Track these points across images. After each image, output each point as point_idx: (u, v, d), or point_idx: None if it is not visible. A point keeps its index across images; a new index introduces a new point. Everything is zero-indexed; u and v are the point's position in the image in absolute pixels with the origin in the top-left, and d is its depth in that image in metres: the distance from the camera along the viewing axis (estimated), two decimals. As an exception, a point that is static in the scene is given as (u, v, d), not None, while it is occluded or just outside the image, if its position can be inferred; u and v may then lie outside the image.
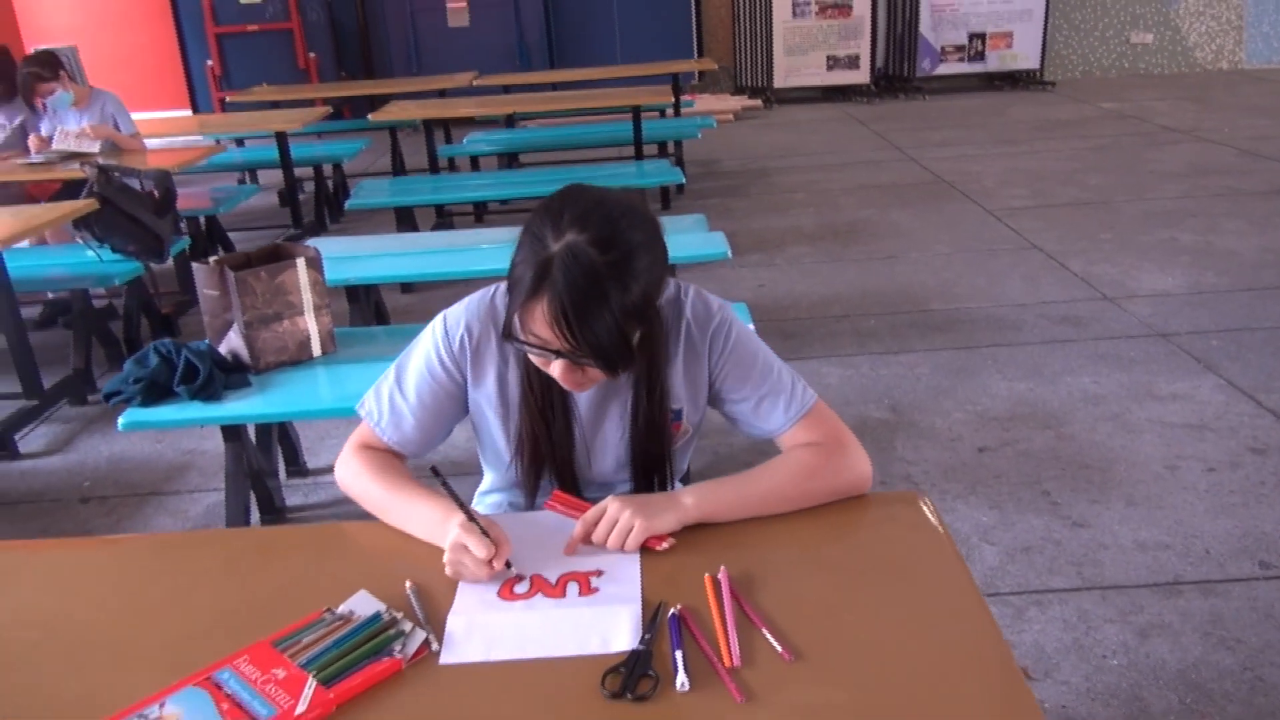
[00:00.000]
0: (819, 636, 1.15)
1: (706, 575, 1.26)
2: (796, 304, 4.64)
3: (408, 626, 1.19)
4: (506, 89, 8.00)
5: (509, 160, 7.23)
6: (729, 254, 3.50)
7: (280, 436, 3.24)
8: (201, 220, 5.59)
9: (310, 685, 1.09)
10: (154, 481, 3.37)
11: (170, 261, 4.60)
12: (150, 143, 5.47)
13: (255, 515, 3.01)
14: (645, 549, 1.33)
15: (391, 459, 1.50)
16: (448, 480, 1.35)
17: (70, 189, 4.70)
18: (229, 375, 2.63)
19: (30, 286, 4.29)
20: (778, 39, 10.73)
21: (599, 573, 1.29)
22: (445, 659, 1.15)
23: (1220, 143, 7.53)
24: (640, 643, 1.15)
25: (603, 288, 1.24)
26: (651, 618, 1.19)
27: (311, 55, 10.58)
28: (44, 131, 5.12)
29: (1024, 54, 10.78)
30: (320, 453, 3.42)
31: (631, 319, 1.28)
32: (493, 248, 3.75)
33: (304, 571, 1.37)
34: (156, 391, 2.57)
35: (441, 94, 7.80)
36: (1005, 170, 7.10)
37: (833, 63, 10.82)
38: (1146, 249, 5.10)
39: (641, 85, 7.47)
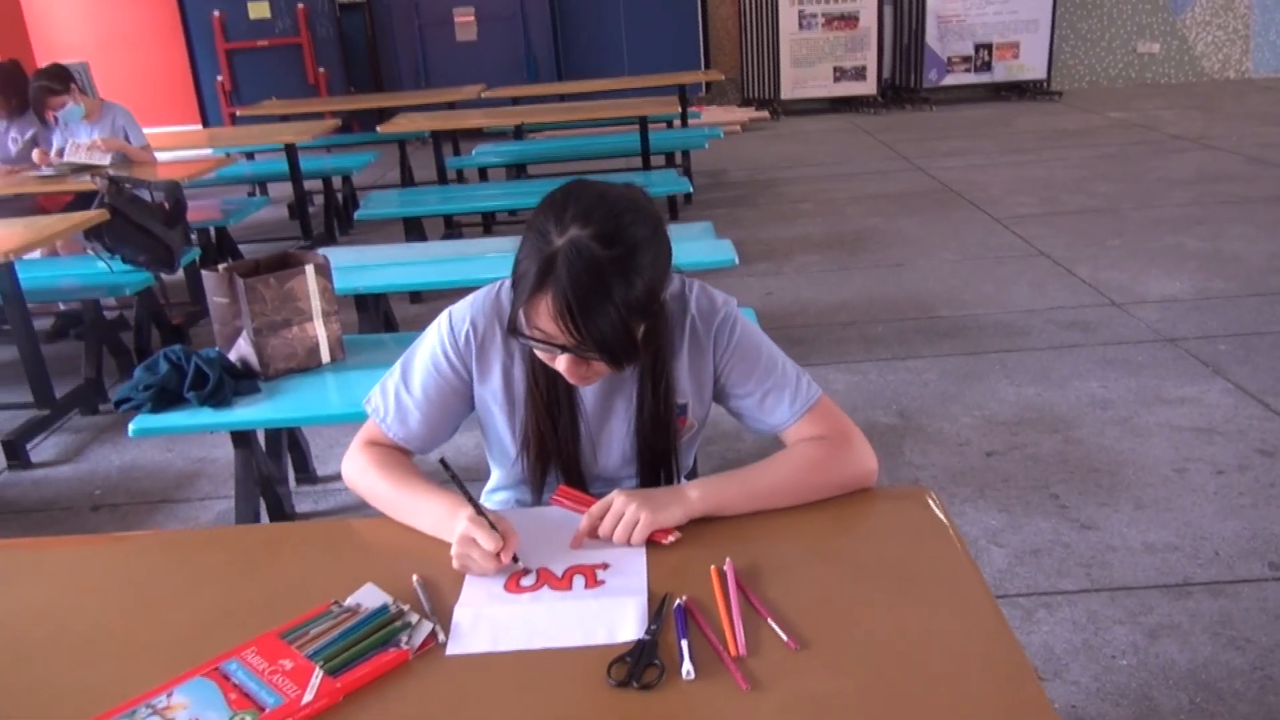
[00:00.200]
0: (825, 627, 1.16)
1: (712, 567, 1.26)
2: (804, 311, 4.65)
3: (414, 618, 1.20)
4: (514, 101, 8.04)
5: (517, 172, 7.26)
6: (736, 260, 3.52)
7: (290, 444, 3.26)
8: (211, 232, 5.63)
9: (317, 675, 1.10)
10: (164, 489, 3.38)
11: (180, 272, 4.63)
12: (160, 156, 5.51)
13: (265, 522, 3.02)
14: (651, 542, 1.33)
15: (398, 455, 1.51)
16: (456, 473, 1.36)
17: (81, 201, 4.73)
18: (238, 381, 2.64)
19: (42, 297, 4.32)
20: (784, 51, 10.77)
21: (605, 566, 1.30)
22: (452, 650, 1.16)
23: (1228, 151, 7.53)
24: (646, 633, 1.15)
25: (606, 282, 1.25)
26: (657, 609, 1.20)
27: (321, 70, 10.65)
28: (55, 144, 5.16)
29: (1031, 64, 10.79)
30: (329, 460, 3.43)
31: (635, 313, 1.29)
32: (500, 256, 3.76)
33: (311, 566, 1.37)
34: (167, 398, 2.59)
35: (450, 106, 7.84)
36: (1012, 179, 7.10)
37: (839, 74, 10.85)
38: (1154, 255, 5.10)
39: (649, 96, 7.50)
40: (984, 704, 1.04)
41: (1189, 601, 2.39)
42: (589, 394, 1.50)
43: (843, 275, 5.15)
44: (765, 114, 10.82)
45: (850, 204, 6.73)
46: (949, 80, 10.87)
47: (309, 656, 1.13)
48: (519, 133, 7.61)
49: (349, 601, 1.24)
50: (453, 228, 6.31)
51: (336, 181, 7.06)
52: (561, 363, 1.34)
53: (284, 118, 7.83)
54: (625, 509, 1.33)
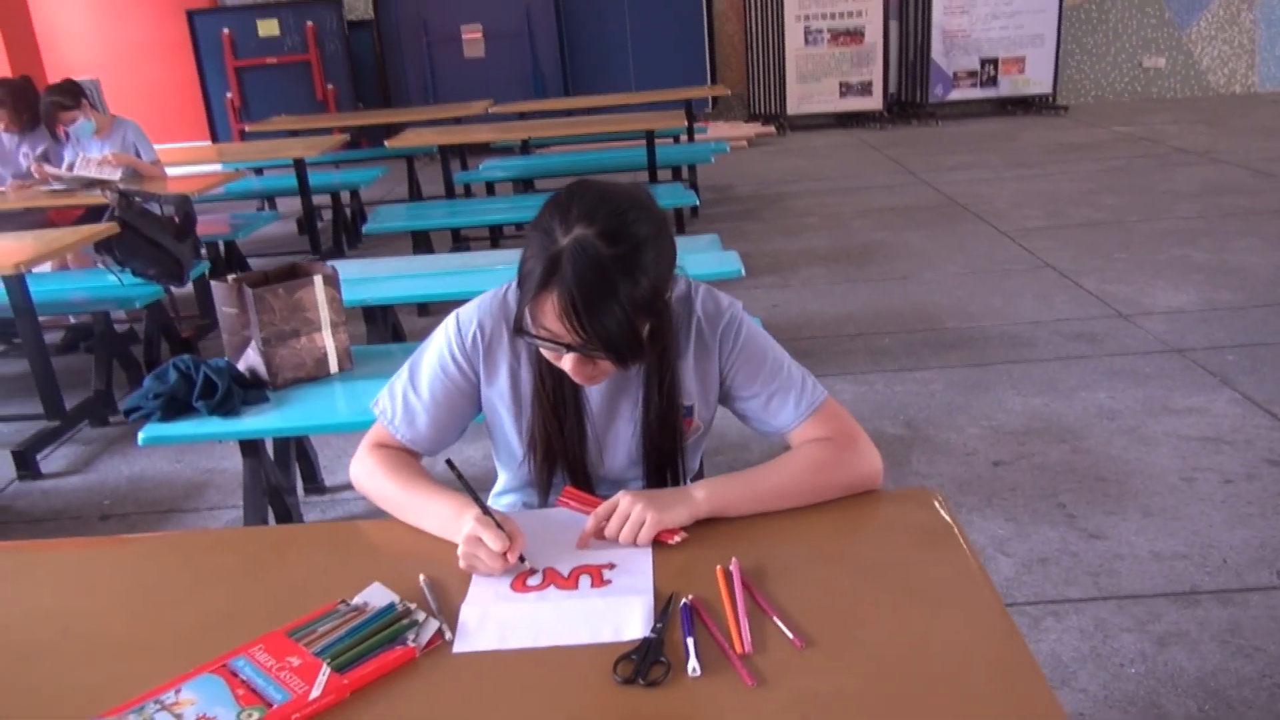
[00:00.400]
0: (831, 626, 1.16)
1: (718, 566, 1.27)
2: (810, 323, 4.65)
3: (421, 617, 1.20)
4: (521, 116, 8.08)
5: (524, 186, 7.28)
6: (742, 271, 3.52)
7: (298, 454, 3.27)
8: (221, 245, 5.66)
9: (324, 672, 1.10)
10: (173, 499, 3.40)
11: (190, 285, 4.65)
12: (170, 171, 5.55)
13: (272, 531, 3.03)
14: (657, 543, 1.34)
15: (406, 456, 1.52)
16: (463, 474, 1.36)
17: (92, 215, 4.76)
18: (247, 391, 2.65)
19: (52, 309, 4.35)
20: (790, 66, 10.81)
21: (611, 566, 1.30)
22: (458, 648, 1.16)
23: (1233, 164, 7.53)
24: (652, 631, 1.15)
25: (611, 280, 1.26)
26: (663, 607, 1.20)
27: (329, 86, 10.71)
28: (66, 159, 5.19)
29: (1037, 79, 10.81)
30: (338, 470, 3.44)
31: (641, 311, 1.30)
32: (507, 268, 3.75)
33: (318, 567, 1.38)
34: (176, 407, 2.60)
35: (457, 121, 7.88)
36: (1018, 192, 7.11)
37: (845, 89, 10.88)
38: (1160, 267, 5.09)
39: (655, 111, 7.52)
40: (990, 704, 1.04)
41: (1197, 610, 2.38)
42: (595, 395, 1.50)
43: (849, 288, 5.16)
44: (771, 129, 10.85)
45: (856, 218, 6.75)
46: (955, 95, 10.90)
47: (316, 654, 1.14)
48: (526, 148, 7.64)
49: (356, 600, 1.24)
50: (460, 242, 6.34)
51: (345, 196, 7.09)
52: (567, 362, 1.35)
53: (293, 133, 7.87)
54: (631, 509, 1.33)
